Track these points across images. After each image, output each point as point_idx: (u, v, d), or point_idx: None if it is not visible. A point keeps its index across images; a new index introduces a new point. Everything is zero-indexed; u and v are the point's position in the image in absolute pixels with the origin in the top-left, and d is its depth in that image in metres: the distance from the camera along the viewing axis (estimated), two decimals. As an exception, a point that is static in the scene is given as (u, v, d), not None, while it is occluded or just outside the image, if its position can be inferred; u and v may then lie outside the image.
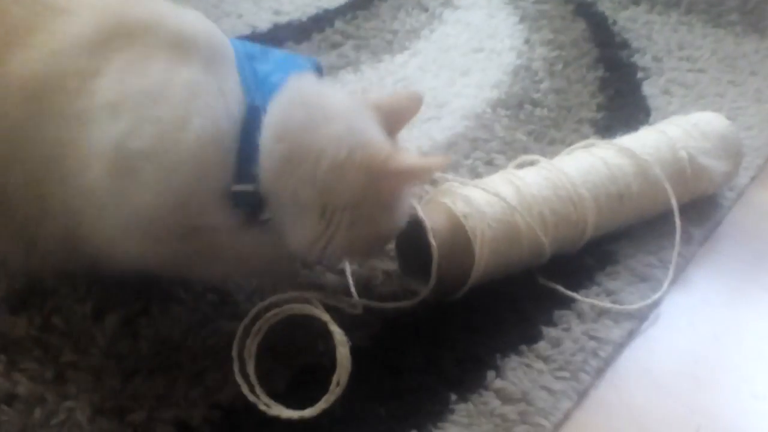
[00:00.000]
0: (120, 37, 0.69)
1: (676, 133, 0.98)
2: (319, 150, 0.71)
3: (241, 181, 0.71)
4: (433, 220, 0.81)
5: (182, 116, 0.68)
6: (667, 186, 0.93)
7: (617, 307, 0.85)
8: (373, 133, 0.75)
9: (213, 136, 0.69)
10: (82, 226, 0.71)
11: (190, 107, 0.68)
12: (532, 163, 0.94)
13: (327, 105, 0.74)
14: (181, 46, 0.70)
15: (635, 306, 0.86)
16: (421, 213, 0.81)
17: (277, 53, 0.78)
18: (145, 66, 0.69)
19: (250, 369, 0.74)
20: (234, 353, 0.74)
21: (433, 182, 1.01)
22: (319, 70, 0.79)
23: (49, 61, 0.68)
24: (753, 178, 1.11)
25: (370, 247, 0.80)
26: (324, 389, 0.72)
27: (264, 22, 1.47)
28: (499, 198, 0.84)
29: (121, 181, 0.68)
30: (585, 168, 0.91)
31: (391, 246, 0.90)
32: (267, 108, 0.71)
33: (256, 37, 1.41)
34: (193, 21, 0.73)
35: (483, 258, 0.81)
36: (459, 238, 0.81)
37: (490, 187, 0.86)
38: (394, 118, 0.81)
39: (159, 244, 0.72)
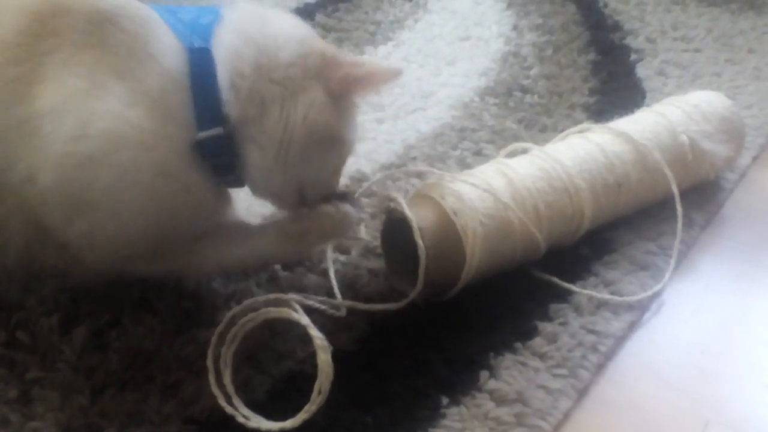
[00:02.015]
0: (44, 37, 0.66)
1: (676, 116, 0.93)
2: (279, 39, 0.72)
3: (205, 127, 0.69)
4: (420, 218, 0.76)
5: (121, 105, 0.65)
6: (668, 173, 0.88)
7: (617, 298, 0.81)
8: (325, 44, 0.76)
9: (156, 106, 0.67)
10: (45, 234, 0.68)
11: (126, 92, 0.66)
12: (524, 151, 0.90)
13: (278, 18, 0.75)
14: (101, 28, 0.67)
15: (636, 297, 0.81)
16: (408, 210, 0.77)
17: (192, 6, 0.75)
18: (76, 63, 0.66)
19: (227, 379, 0.69)
20: (209, 363, 0.70)
21: (420, 175, 0.96)
22: None
23: None
24: (755, 158, 1.07)
25: (326, 165, 0.76)
26: (307, 397, 0.67)
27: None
28: (491, 193, 0.79)
29: (78, 188, 0.65)
30: (581, 156, 0.86)
31: (377, 243, 0.86)
32: (212, 47, 0.69)
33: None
34: None
35: (475, 257, 0.76)
36: (449, 237, 0.76)
37: (482, 180, 0.81)
38: (367, 79, 0.76)
39: (134, 242, 0.70)
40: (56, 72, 0.65)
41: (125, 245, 0.70)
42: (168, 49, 0.68)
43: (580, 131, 0.93)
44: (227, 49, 0.69)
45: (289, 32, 0.72)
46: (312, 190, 0.76)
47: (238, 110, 0.69)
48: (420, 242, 0.75)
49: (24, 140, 0.65)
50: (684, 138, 0.91)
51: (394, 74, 0.74)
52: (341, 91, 0.72)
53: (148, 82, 0.67)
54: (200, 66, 0.68)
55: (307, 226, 0.76)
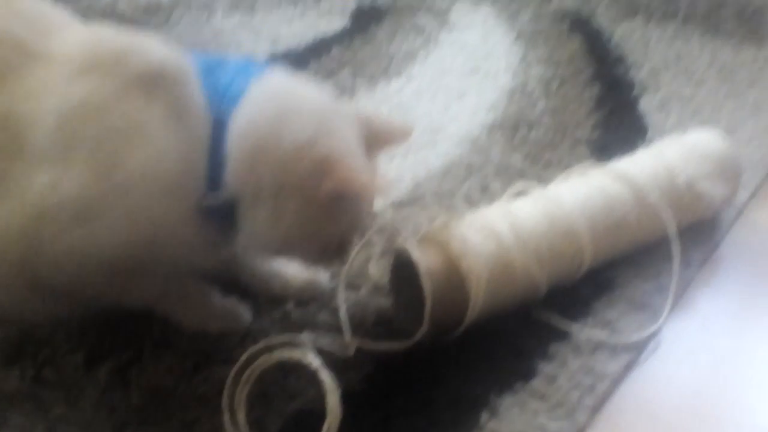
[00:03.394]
0: (88, 76, 0.71)
1: (673, 157, 0.97)
2: (285, 134, 0.73)
3: (213, 194, 0.73)
4: (427, 261, 0.80)
5: (147, 155, 0.70)
6: (666, 214, 0.91)
7: (614, 339, 0.84)
8: (341, 135, 0.76)
9: (177, 167, 0.71)
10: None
11: (155, 144, 0.70)
12: (527, 192, 0.93)
13: (300, 99, 0.76)
14: (147, 80, 0.71)
15: (632, 339, 0.84)
16: (416, 253, 0.81)
17: (233, 61, 0.78)
18: (113, 105, 0.70)
19: (241, 418, 0.73)
20: (224, 403, 0.74)
21: (429, 219, 1.00)
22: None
23: (22, 104, 0.70)
24: (752, 195, 1.09)
25: (315, 247, 0.79)
26: (316, 436, 0.71)
27: (262, 52, 1.48)
28: (495, 237, 0.83)
29: (85, 226, 0.69)
30: (581, 199, 0.90)
31: (386, 281, 0.90)
32: (231, 117, 0.73)
33: (252, 68, 1.42)
34: (156, 52, 0.74)
35: (478, 300, 0.80)
36: (454, 279, 0.80)
37: (486, 224, 0.85)
38: (378, 139, 0.81)
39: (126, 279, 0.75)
40: (94, 109, 0.70)
41: (96, 269, 0.73)
42: (197, 115, 0.72)
43: (582, 172, 0.96)
44: (240, 124, 0.73)
45: (300, 123, 0.74)
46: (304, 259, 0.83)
47: (236, 187, 0.73)
48: (427, 285, 0.79)
49: (37, 172, 0.69)
50: (681, 179, 0.94)
51: (383, 191, 0.78)
52: (332, 198, 0.74)
53: (176, 142, 0.71)
54: (218, 137, 0.72)
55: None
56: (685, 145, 1.00)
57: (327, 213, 0.74)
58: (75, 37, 0.74)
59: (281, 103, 0.75)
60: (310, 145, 0.73)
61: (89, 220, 0.70)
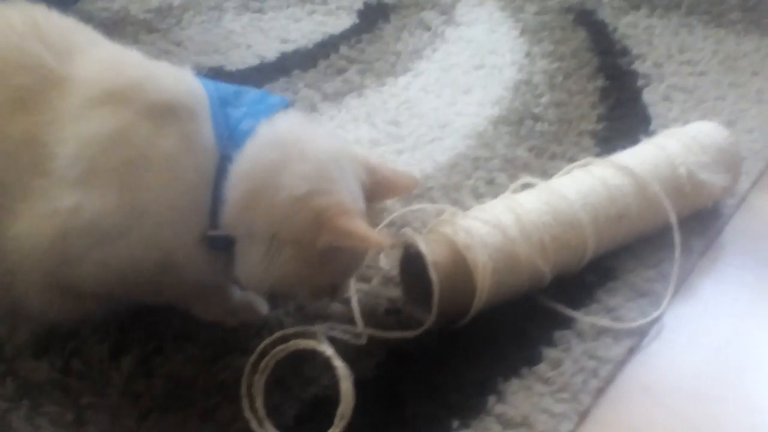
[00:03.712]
0: (106, 105, 0.74)
1: (674, 148, 0.99)
2: (282, 183, 0.75)
3: (216, 226, 0.76)
4: (435, 253, 0.84)
5: (160, 185, 0.74)
6: (667, 204, 0.94)
7: (617, 325, 0.87)
8: (342, 185, 0.78)
9: (185, 198, 0.75)
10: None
11: (166, 175, 0.74)
12: (530, 186, 0.96)
13: (305, 145, 0.77)
14: (160, 113, 0.75)
15: (635, 324, 0.87)
16: (423, 246, 0.84)
17: (250, 94, 0.81)
18: (129, 135, 0.73)
19: (259, 404, 0.77)
20: (243, 389, 0.77)
21: (437, 210, 1.03)
22: (289, 107, 0.82)
23: (45, 129, 0.73)
24: (754, 183, 1.11)
25: (307, 291, 0.84)
26: (331, 421, 0.74)
27: (272, 51, 1.51)
28: (500, 229, 0.86)
29: (106, 247, 0.74)
30: (584, 190, 0.93)
31: (396, 273, 0.93)
32: (235, 157, 0.75)
33: (264, 68, 1.45)
34: (173, 84, 0.77)
35: (484, 289, 0.83)
36: (460, 270, 0.83)
37: (491, 216, 0.88)
38: (382, 187, 0.84)
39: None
40: (108, 138, 0.74)
41: (120, 279, 0.77)
42: (205, 149, 0.75)
43: (584, 165, 0.99)
44: (241, 167, 0.75)
45: (299, 175, 0.75)
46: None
47: (231, 227, 0.76)
48: (434, 276, 0.82)
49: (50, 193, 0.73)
50: (682, 170, 0.97)
51: (381, 245, 0.79)
52: (325, 251, 0.76)
53: (186, 174, 0.75)
54: (222, 173, 0.75)
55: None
56: (686, 136, 1.02)
57: (321, 262, 0.77)
58: (96, 60, 0.78)
59: (284, 150, 0.76)
60: (307, 198, 0.75)
61: (109, 241, 0.74)
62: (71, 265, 0.75)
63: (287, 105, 0.82)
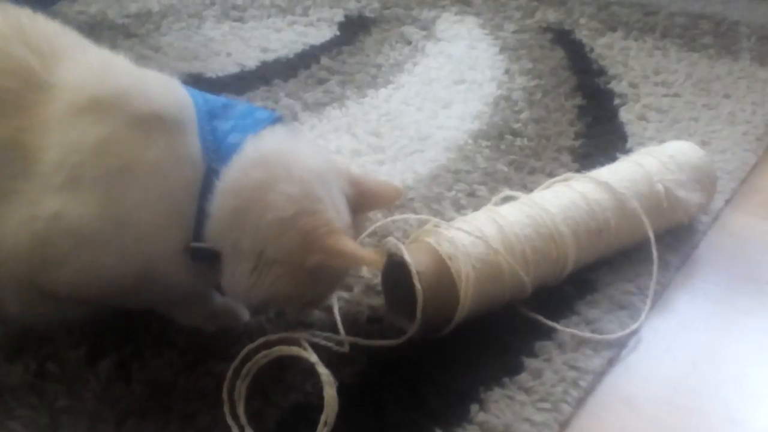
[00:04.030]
0: (92, 113, 0.73)
1: (652, 166, 1.01)
2: (269, 203, 0.74)
3: (200, 239, 0.76)
4: (418, 263, 0.84)
5: (144, 195, 0.73)
6: (645, 219, 0.96)
7: (597, 336, 0.88)
8: (329, 203, 0.77)
9: (170, 209, 0.74)
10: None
11: (151, 186, 0.73)
12: (513, 199, 0.97)
13: (291, 164, 0.77)
14: (146, 123, 0.74)
15: (614, 335, 0.88)
16: (407, 255, 0.84)
17: (238, 108, 0.81)
18: (114, 144, 0.73)
19: (240, 410, 0.76)
20: (224, 395, 0.77)
21: (419, 220, 1.04)
22: (277, 122, 0.82)
23: (28, 134, 0.73)
24: (727, 202, 1.14)
25: (294, 304, 0.84)
26: (312, 427, 0.74)
27: (252, 60, 1.51)
28: (483, 240, 0.86)
29: (86, 254, 0.73)
30: (565, 204, 0.94)
31: (377, 281, 0.93)
32: (221, 172, 0.75)
33: (245, 76, 1.45)
34: (161, 94, 0.77)
35: (467, 299, 0.83)
36: (444, 280, 0.84)
37: (474, 227, 0.88)
38: (366, 199, 0.84)
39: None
40: (94, 146, 0.73)
41: (99, 286, 0.77)
42: (190, 161, 0.75)
43: (564, 180, 1.01)
44: (226, 183, 0.75)
45: (286, 196, 0.75)
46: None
47: (216, 241, 0.75)
48: (418, 285, 0.82)
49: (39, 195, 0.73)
50: (660, 187, 0.99)
51: (373, 264, 0.79)
52: (314, 270, 0.76)
53: (171, 185, 0.74)
54: (207, 187, 0.75)
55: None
56: (664, 154, 1.04)
57: (309, 279, 0.77)
58: (83, 66, 0.77)
59: (270, 170, 0.76)
60: (294, 220, 0.74)
61: (89, 249, 0.73)
62: (50, 270, 0.74)
63: (275, 120, 0.81)
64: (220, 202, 0.74)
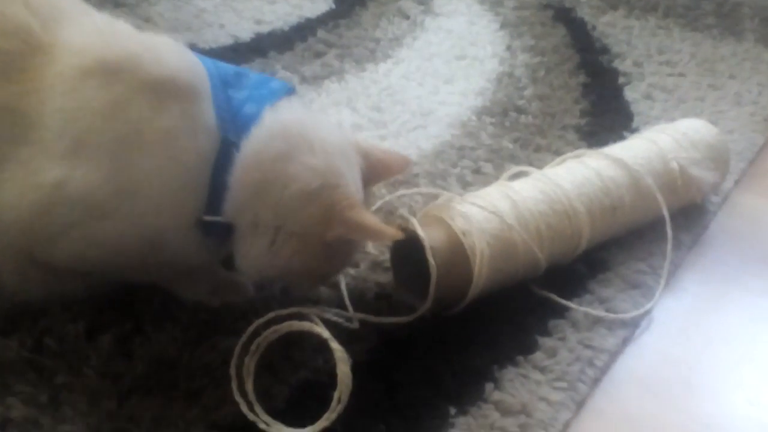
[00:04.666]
0: (100, 76, 0.70)
1: (666, 143, 0.99)
2: (293, 175, 0.72)
3: (213, 211, 0.73)
4: (431, 238, 0.81)
5: (155, 164, 0.70)
6: (659, 197, 0.94)
7: (611, 315, 0.86)
8: (349, 176, 0.76)
9: (183, 179, 0.71)
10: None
11: (163, 155, 0.70)
12: (524, 174, 0.95)
13: (312, 137, 0.74)
14: (159, 88, 0.71)
15: (629, 315, 0.86)
16: (420, 230, 0.81)
17: (251, 77, 0.78)
18: (124, 110, 0.70)
19: (249, 387, 0.73)
20: (232, 371, 0.74)
21: (428, 195, 1.01)
22: (292, 93, 0.79)
23: (29, 97, 0.69)
24: (737, 182, 1.13)
25: (305, 280, 0.81)
26: (323, 405, 0.71)
27: (246, 31, 1.47)
28: (497, 215, 0.84)
29: (90, 225, 0.70)
30: (579, 181, 0.92)
31: (384, 258, 0.91)
32: (240, 144, 0.72)
33: (239, 47, 1.41)
34: (173, 60, 0.73)
35: (481, 275, 0.81)
36: (458, 256, 0.81)
37: (488, 202, 0.86)
38: (376, 171, 0.82)
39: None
40: (100, 111, 0.70)
41: (102, 258, 0.74)
42: (205, 130, 0.72)
43: (577, 156, 0.98)
44: (247, 155, 0.72)
45: (309, 168, 0.73)
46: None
47: (234, 215, 0.73)
48: (432, 261, 0.80)
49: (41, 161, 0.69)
50: (674, 164, 0.97)
51: (393, 237, 0.76)
52: (333, 242, 0.74)
53: (185, 155, 0.71)
54: (223, 158, 0.72)
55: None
56: (677, 132, 1.02)
57: (325, 254, 0.75)
58: (88, 28, 0.73)
59: (292, 141, 0.73)
60: (318, 193, 0.72)
61: (93, 220, 0.70)
62: (51, 241, 0.71)
63: (290, 91, 0.79)
64: (240, 175, 0.72)
